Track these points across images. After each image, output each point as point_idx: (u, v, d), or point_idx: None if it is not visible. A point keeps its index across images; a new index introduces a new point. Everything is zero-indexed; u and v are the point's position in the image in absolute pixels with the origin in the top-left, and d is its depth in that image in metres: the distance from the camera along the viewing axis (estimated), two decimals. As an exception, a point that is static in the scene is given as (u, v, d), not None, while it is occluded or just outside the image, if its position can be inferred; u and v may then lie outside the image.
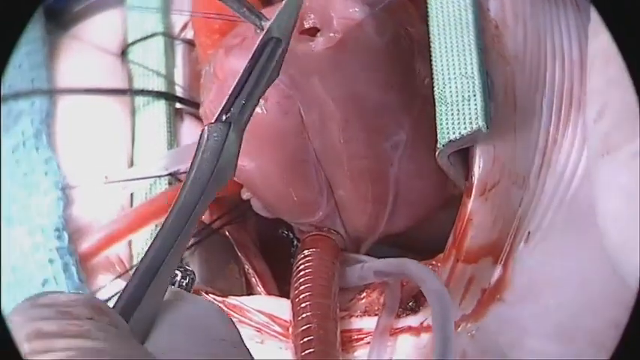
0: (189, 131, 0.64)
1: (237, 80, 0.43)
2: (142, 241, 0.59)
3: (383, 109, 0.52)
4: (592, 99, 0.43)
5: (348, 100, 0.52)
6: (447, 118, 0.50)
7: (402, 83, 0.53)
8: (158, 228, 0.58)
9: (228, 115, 0.42)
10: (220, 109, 0.43)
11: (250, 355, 0.37)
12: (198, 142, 0.41)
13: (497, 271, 0.51)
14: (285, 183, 0.55)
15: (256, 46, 0.45)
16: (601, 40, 0.42)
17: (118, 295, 0.37)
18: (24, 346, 0.31)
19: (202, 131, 0.42)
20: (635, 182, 0.37)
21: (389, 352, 0.51)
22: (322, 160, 0.54)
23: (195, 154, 0.41)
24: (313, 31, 0.51)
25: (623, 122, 0.39)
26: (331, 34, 0.50)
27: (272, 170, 0.55)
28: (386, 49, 0.52)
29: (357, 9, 0.50)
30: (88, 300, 0.34)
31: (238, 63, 0.54)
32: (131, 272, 0.57)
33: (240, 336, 0.38)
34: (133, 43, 0.66)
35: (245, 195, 0.60)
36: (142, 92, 0.64)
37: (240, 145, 0.42)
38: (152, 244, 0.38)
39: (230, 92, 0.43)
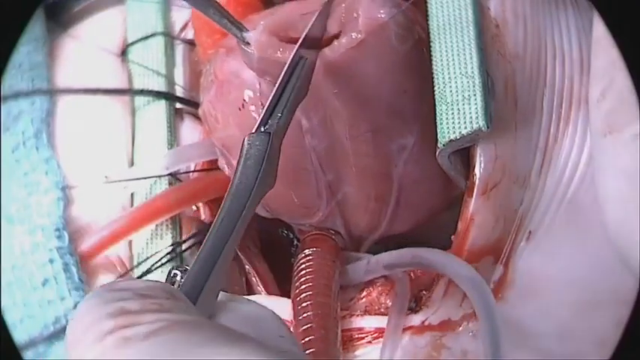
0: (189, 131, 0.64)
1: (272, 94, 0.46)
2: (142, 241, 0.59)
3: (393, 113, 0.53)
4: (596, 79, 0.43)
5: (357, 100, 0.52)
6: (447, 118, 0.50)
7: (416, 89, 0.53)
8: (158, 228, 0.59)
9: (267, 126, 0.44)
10: (259, 121, 0.44)
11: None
12: (241, 151, 0.43)
13: (499, 271, 0.51)
14: (284, 186, 0.55)
15: (288, 63, 0.47)
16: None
17: None
18: (106, 324, 0.31)
19: (243, 141, 0.43)
20: (636, 164, 0.37)
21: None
22: (327, 159, 0.54)
23: (238, 163, 0.42)
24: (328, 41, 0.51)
25: (625, 103, 0.39)
26: (354, 35, 0.50)
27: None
28: (405, 57, 0.52)
29: (383, 12, 0.50)
30: (163, 285, 0.35)
31: (238, 64, 0.54)
32: (131, 273, 0.58)
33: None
34: (133, 43, 0.66)
35: (245, 195, 0.60)
36: (142, 92, 0.64)
37: (279, 154, 0.44)
38: (201, 250, 0.39)
39: (267, 105, 0.45)
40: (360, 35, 0.50)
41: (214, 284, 0.38)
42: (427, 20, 0.53)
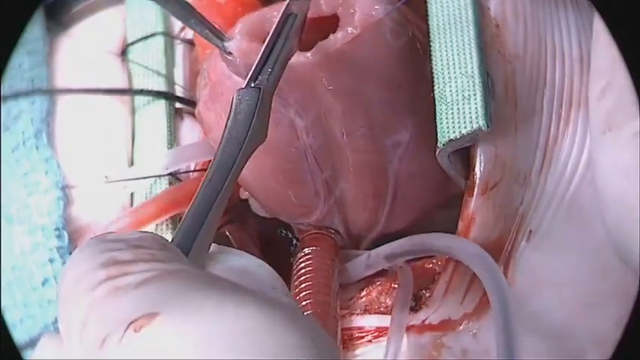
0: (189, 131, 0.64)
1: (262, 50, 0.45)
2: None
3: (387, 108, 0.52)
4: (596, 76, 0.42)
5: (352, 95, 0.52)
6: (447, 117, 0.50)
7: (410, 84, 0.53)
8: (158, 228, 0.59)
9: (257, 82, 0.44)
10: (249, 77, 0.44)
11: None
12: (231, 107, 0.42)
13: (499, 270, 0.51)
14: (282, 185, 0.55)
15: (278, 19, 0.46)
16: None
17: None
18: (98, 274, 0.31)
19: (233, 97, 0.43)
20: (636, 162, 0.37)
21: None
22: (323, 157, 0.54)
23: (228, 118, 0.42)
24: (330, 20, 0.51)
25: (625, 101, 0.39)
26: (349, 30, 0.50)
27: (268, 174, 0.55)
28: (399, 52, 0.52)
29: (379, 8, 0.50)
30: (154, 236, 0.35)
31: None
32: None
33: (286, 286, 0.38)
34: (132, 43, 0.66)
35: (243, 195, 0.60)
36: (142, 92, 0.64)
37: (270, 109, 0.43)
38: (192, 204, 0.38)
39: (256, 61, 0.44)
40: (355, 30, 0.50)
41: (205, 237, 0.37)
42: (427, 20, 0.53)
